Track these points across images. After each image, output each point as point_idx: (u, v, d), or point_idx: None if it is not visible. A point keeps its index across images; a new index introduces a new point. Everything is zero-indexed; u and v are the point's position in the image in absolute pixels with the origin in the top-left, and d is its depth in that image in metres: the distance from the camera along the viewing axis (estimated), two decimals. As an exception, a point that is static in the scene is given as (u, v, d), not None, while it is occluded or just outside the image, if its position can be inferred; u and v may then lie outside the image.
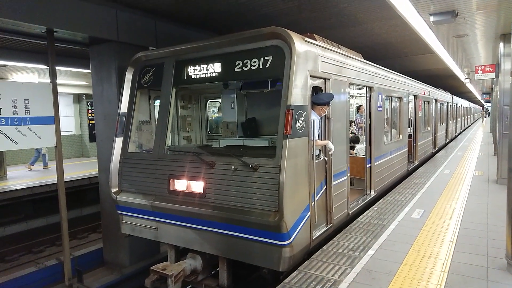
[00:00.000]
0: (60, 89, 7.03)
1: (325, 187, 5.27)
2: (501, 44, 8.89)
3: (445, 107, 18.51)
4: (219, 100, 8.35)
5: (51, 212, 11.46)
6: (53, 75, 6.27)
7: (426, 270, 4.12)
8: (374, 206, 6.88)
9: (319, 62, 4.93)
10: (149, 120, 6.43)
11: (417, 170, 10.85)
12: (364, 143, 7.14)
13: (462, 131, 29.68)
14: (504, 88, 8.55)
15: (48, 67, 6.36)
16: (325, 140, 5.30)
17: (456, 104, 24.61)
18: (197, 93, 7.89)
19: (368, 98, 7.31)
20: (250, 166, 4.38)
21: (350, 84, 6.11)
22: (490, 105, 33.99)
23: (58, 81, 6.56)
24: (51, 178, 11.60)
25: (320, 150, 5.21)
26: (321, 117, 5.20)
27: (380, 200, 7.29)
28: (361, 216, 6.23)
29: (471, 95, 38.97)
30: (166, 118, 5.46)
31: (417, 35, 8.69)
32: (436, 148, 15.75)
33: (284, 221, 4.09)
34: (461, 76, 18.35)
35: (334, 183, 5.42)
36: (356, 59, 6.57)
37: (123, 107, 5.99)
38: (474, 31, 8.61)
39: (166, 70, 5.55)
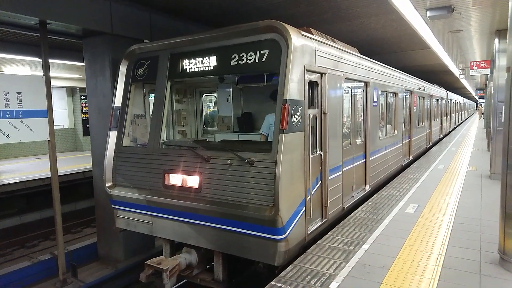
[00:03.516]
0: (53, 82, 6.95)
1: (320, 181, 5.28)
2: (496, 40, 8.91)
3: (439, 102, 18.60)
4: (215, 94, 8.30)
5: (44, 206, 11.39)
6: (46, 67, 6.19)
7: (420, 264, 4.15)
8: (368, 200, 6.91)
9: (315, 57, 4.90)
10: (144, 114, 6.38)
11: (412, 165, 10.92)
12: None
13: (456, 127, 29.91)
14: (498, 84, 8.58)
15: (41, 60, 6.27)
16: (321, 136, 5.28)
17: (451, 100, 24.75)
18: (192, 86, 7.83)
19: (364, 93, 7.30)
20: (246, 160, 4.36)
21: (346, 79, 6.10)
22: (483, 100, 34.20)
23: (51, 74, 6.47)
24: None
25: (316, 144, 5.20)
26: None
27: (375, 195, 7.33)
28: (356, 211, 6.26)
29: (465, 90, 39.20)
30: (161, 112, 5.41)
31: (413, 30, 8.69)
32: (431, 143, 15.85)
33: (280, 216, 4.09)
34: (456, 71, 18.42)
35: (329, 178, 5.43)
36: (353, 54, 6.55)
37: (117, 101, 5.92)
38: (469, 26, 8.62)
39: (161, 63, 5.49)
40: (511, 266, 3.95)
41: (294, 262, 4.32)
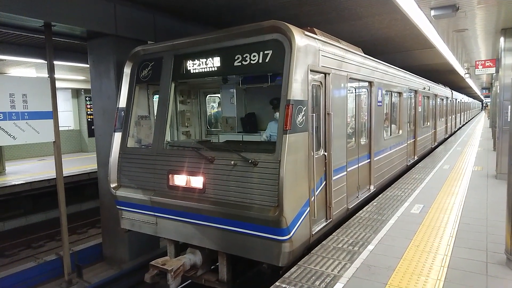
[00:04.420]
0: (58, 84, 7.00)
1: (324, 182, 5.26)
2: (502, 39, 8.83)
3: (444, 102, 18.49)
4: (219, 95, 8.31)
5: (50, 207, 11.46)
6: (51, 69, 6.23)
7: (426, 265, 4.13)
8: (373, 201, 6.88)
9: (319, 57, 4.89)
10: (148, 115, 6.40)
11: (417, 165, 10.85)
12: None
13: (461, 126, 29.71)
14: (504, 83, 8.52)
15: (46, 62, 6.31)
16: (325, 136, 5.27)
17: (456, 99, 24.59)
18: (196, 87, 7.85)
19: (368, 93, 7.28)
20: (250, 161, 4.36)
21: (350, 78, 6.08)
22: (489, 100, 33.96)
23: (56, 75, 6.51)
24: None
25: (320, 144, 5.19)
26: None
27: (380, 195, 7.29)
28: (360, 211, 6.23)
29: (470, 90, 38.93)
30: (165, 113, 5.43)
31: (418, 29, 8.64)
32: (436, 143, 15.75)
33: (284, 216, 4.08)
34: (461, 71, 18.29)
35: (333, 178, 5.41)
36: (357, 54, 6.53)
37: (122, 102, 5.95)
38: (474, 25, 8.56)
39: (165, 65, 5.51)
40: (518, 267, 3.92)
41: (298, 263, 4.31)
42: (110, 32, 6.61)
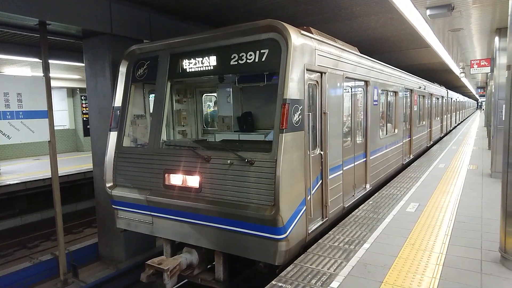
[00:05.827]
0: (53, 83, 6.96)
1: (321, 181, 5.27)
2: (497, 38, 8.89)
3: (440, 101, 18.58)
4: (215, 94, 8.30)
5: (45, 207, 11.40)
6: (46, 68, 6.19)
7: (421, 263, 4.15)
8: (369, 200, 6.91)
9: (315, 56, 4.89)
10: (144, 114, 6.38)
11: (412, 163, 10.90)
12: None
13: (457, 125, 29.88)
14: (499, 82, 8.57)
15: (41, 61, 6.27)
16: (321, 135, 5.28)
17: (451, 98, 24.73)
18: (192, 86, 7.83)
19: (364, 92, 7.30)
20: (246, 160, 4.36)
21: (346, 78, 6.09)
22: (484, 99, 34.16)
23: (51, 74, 6.48)
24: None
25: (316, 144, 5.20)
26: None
27: (376, 194, 7.32)
28: (356, 210, 6.25)
29: (466, 89, 39.16)
30: (161, 112, 5.41)
31: (413, 29, 8.68)
32: (431, 142, 15.84)
33: (280, 215, 4.09)
34: (456, 70, 18.40)
35: (330, 177, 5.42)
36: (353, 53, 6.54)
37: (118, 101, 5.92)
38: (469, 25, 8.60)
39: (160, 63, 5.50)
40: (512, 265, 3.95)
41: (294, 262, 4.32)
42: (105, 31, 6.58)
